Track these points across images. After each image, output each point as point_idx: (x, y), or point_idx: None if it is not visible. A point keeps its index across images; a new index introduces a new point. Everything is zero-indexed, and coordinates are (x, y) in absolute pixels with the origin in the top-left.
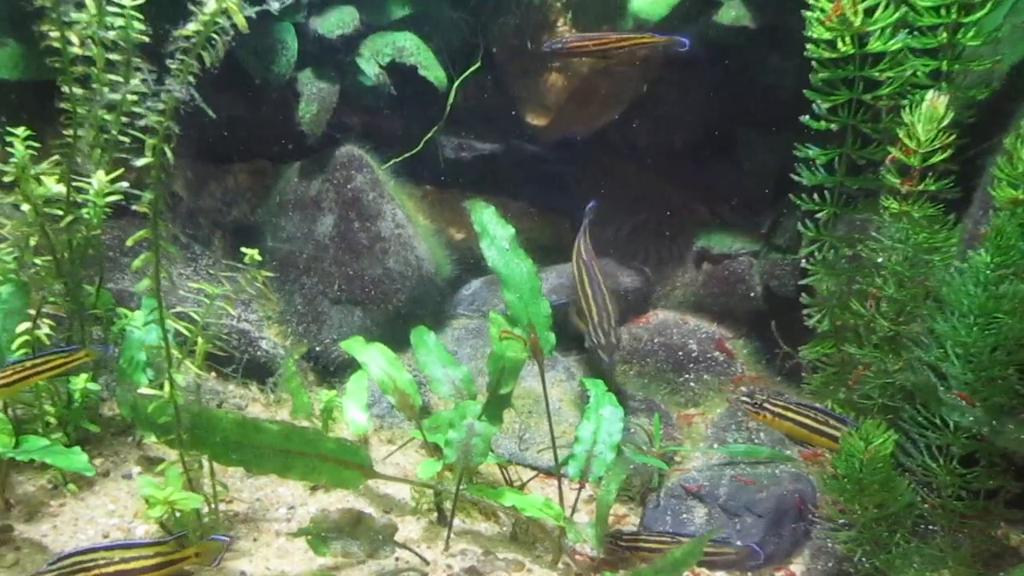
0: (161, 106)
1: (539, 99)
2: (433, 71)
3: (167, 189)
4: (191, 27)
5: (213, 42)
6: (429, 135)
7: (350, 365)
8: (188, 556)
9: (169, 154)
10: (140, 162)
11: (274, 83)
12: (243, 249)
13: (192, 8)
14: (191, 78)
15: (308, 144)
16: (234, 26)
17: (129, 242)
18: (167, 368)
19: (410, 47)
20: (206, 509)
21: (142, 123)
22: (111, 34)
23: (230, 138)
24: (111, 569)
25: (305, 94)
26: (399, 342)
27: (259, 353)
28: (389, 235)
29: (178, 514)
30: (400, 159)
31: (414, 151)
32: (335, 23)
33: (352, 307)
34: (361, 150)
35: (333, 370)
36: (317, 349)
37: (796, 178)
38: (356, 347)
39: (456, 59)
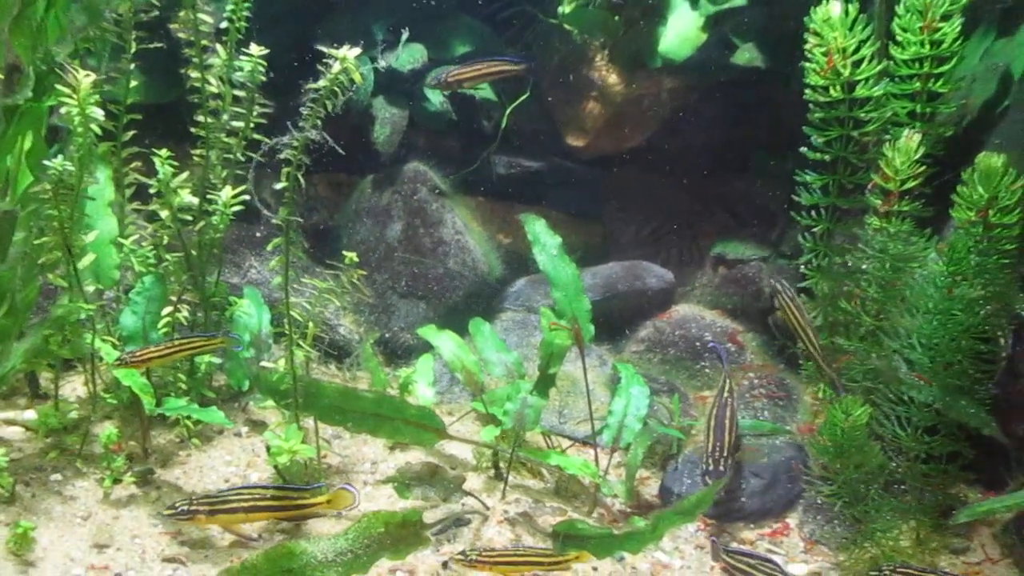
0: (295, 142)
1: (578, 123)
2: (489, 100)
3: (296, 207)
4: (321, 83)
5: (335, 93)
6: (485, 154)
7: (414, 349)
8: (322, 503)
9: (301, 180)
10: (278, 186)
11: (354, 109)
12: (344, 252)
13: (320, 68)
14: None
15: (381, 160)
16: (351, 79)
17: (269, 247)
18: (290, 346)
19: None
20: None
21: (280, 155)
22: (238, 75)
23: (315, 154)
24: (265, 503)
25: (379, 118)
26: (456, 331)
27: (337, 338)
28: (449, 240)
29: (287, 463)
30: (460, 175)
31: (472, 168)
32: (407, 59)
33: (417, 300)
34: (426, 166)
35: (400, 354)
36: (386, 336)
37: (796, 198)
38: (430, 333)
39: (508, 89)
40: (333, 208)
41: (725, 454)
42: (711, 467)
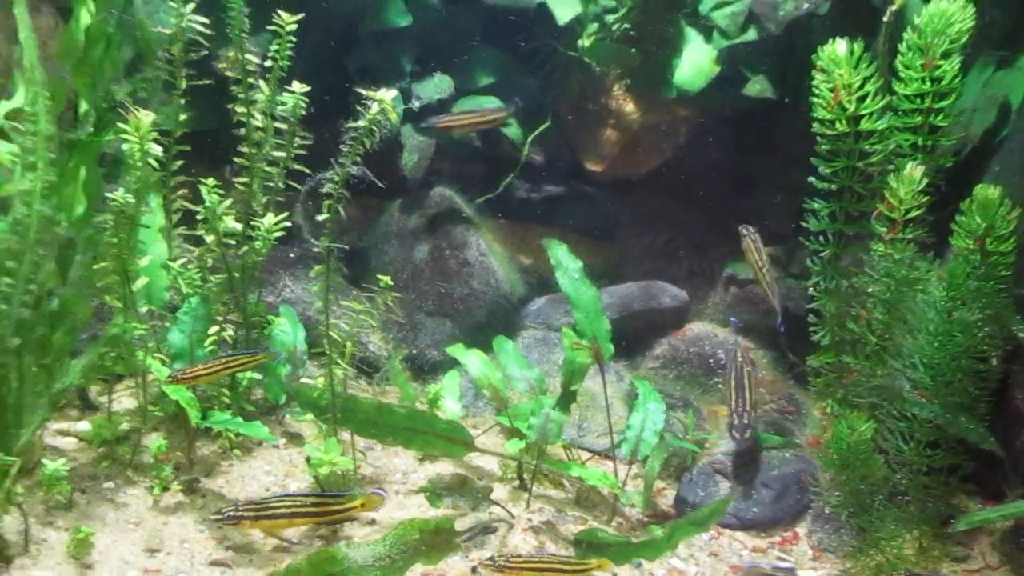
0: (336, 177)
1: (596, 150)
2: (512, 129)
3: (335, 234)
4: (360, 123)
5: (373, 131)
6: (507, 179)
7: (440, 365)
8: (355, 506)
9: (342, 212)
10: (320, 217)
11: (383, 137)
12: (379, 275)
13: (358, 108)
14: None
15: (408, 185)
16: (387, 118)
17: (312, 274)
18: (329, 365)
19: (493, 109)
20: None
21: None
22: (281, 109)
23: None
24: (305, 509)
25: (407, 145)
26: (480, 348)
27: (367, 354)
28: (474, 261)
29: (326, 474)
30: (483, 199)
31: (495, 193)
32: (434, 89)
33: (443, 319)
34: (451, 191)
35: (427, 369)
36: (413, 352)
37: (804, 224)
38: (459, 352)
39: (529, 118)
40: (362, 230)
41: (749, 408)
42: (736, 422)
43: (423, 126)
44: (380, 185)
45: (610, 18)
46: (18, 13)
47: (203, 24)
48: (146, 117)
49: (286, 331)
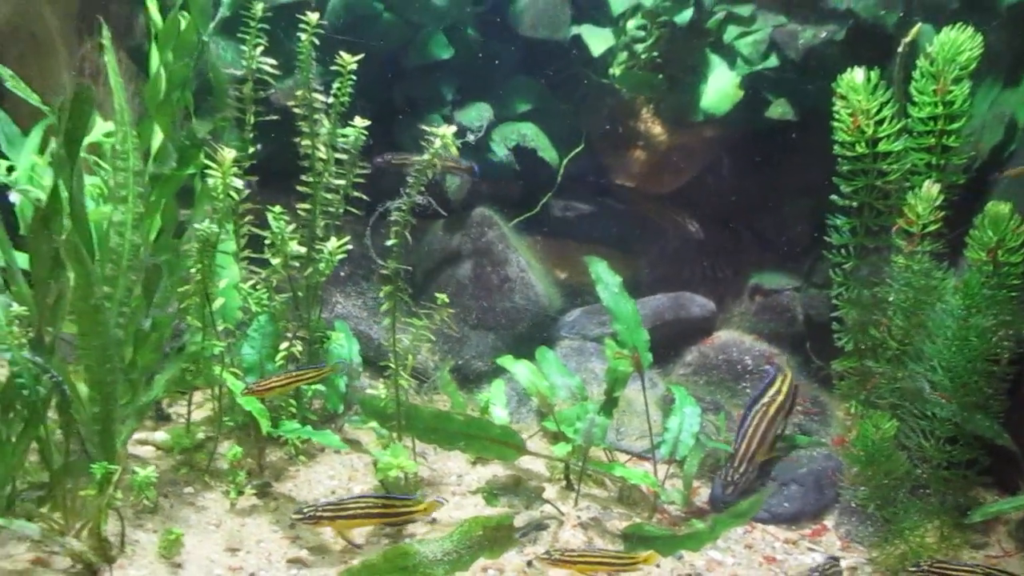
0: (403, 206)
1: (626, 169)
2: (547, 152)
3: (401, 262)
4: (425, 156)
5: (433, 165)
6: (544, 199)
7: (484, 375)
8: (419, 510)
9: (408, 238)
10: (389, 243)
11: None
12: (437, 294)
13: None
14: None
15: (451, 206)
16: (447, 150)
17: (381, 295)
18: (394, 376)
19: (530, 134)
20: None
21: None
22: (341, 141)
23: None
24: (376, 510)
25: (459, 173)
26: (522, 358)
27: (416, 364)
28: (514, 277)
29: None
30: (522, 218)
31: (533, 212)
32: (474, 116)
33: (486, 331)
34: (492, 211)
35: (472, 379)
36: (459, 363)
37: (827, 238)
38: (508, 362)
39: (564, 141)
40: (409, 249)
41: (745, 464)
42: (724, 476)
43: (376, 161)
44: (443, 214)
45: (639, 47)
46: (108, 60)
47: (270, 65)
48: (228, 154)
49: (342, 344)
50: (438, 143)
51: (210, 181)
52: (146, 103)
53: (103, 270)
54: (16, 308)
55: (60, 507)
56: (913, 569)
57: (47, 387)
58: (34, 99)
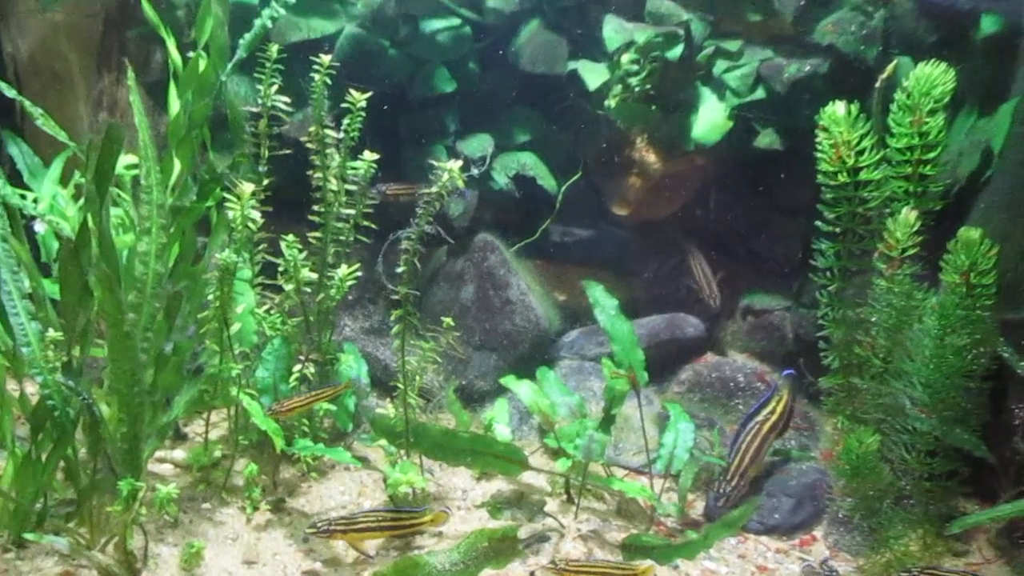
0: (413, 234)
1: (622, 195)
2: (547, 180)
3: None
4: (433, 188)
5: (441, 196)
6: (543, 225)
7: (487, 395)
8: (427, 521)
9: (418, 265)
10: (399, 270)
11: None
12: (443, 318)
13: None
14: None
15: (454, 233)
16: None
17: (392, 319)
18: (403, 396)
19: (530, 163)
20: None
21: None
22: (351, 173)
23: (400, 226)
24: (386, 523)
25: (453, 197)
26: (523, 377)
27: (422, 384)
28: (516, 299)
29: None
30: (522, 243)
31: (533, 238)
32: (476, 147)
33: (489, 352)
34: (493, 237)
35: (475, 398)
36: (463, 383)
37: (812, 262)
38: (511, 382)
39: (562, 169)
40: (417, 274)
41: (737, 478)
42: (723, 488)
43: (372, 191)
44: (449, 241)
45: (633, 81)
46: (133, 100)
47: (284, 102)
48: (247, 187)
49: (352, 366)
50: (446, 177)
51: (229, 212)
52: (168, 139)
53: (128, 297)
54: (52, 334)
55: (87, 522)
56: (904, 574)
57: (75, 408)
58: (62, 136)
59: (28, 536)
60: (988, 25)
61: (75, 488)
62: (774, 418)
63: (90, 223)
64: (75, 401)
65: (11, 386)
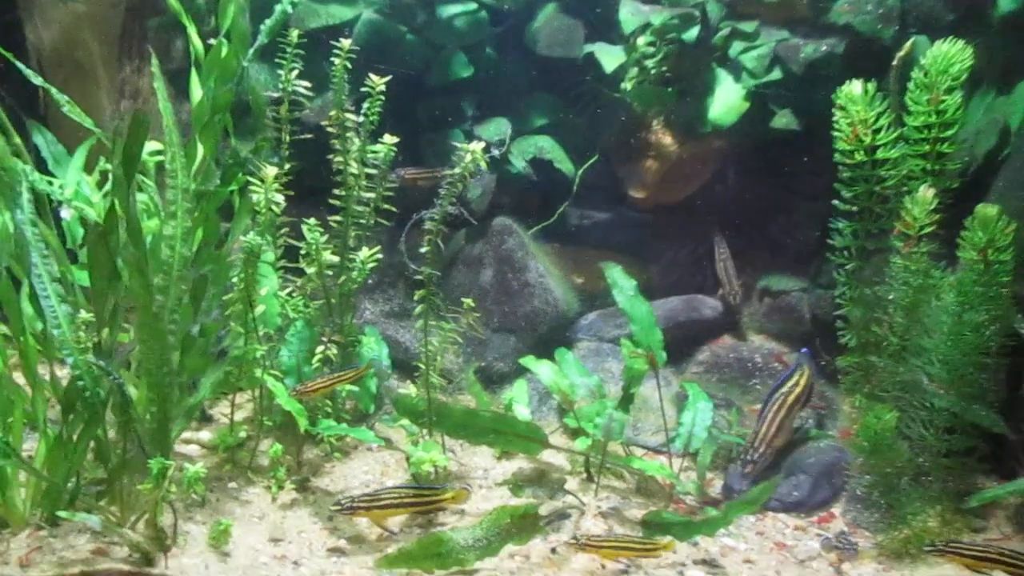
0: (435, 216)
1: (639, 179)
2: (564, 164)
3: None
4: (456, 170)
5: (464, 178)
6: (560, 208)
7: (506, 376)
8: (448, 498)
9: (441, 245)
10: (422, 250)
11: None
12: (463, 299)
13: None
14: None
15: (473, 216)
16: (477, 165)
17: (415, 298)
18: (426, 376)
19: (547, 147)
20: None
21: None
22: (371, 157)
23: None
24: (409, 500)
25: (473, 181)
26: (541, 359)
27: (442, 366)
28: (534, 282)
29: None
30: (540, 227)
31: (550, 221)
32: (494, 131)
33: (508, 334)
34: (511, 220)
35: (494, 380)
36: (482, 365)
37: (830, 241)
38: (531, 362)
39: (579, 153)
40: (439, 256)
41: (765, 446)
42: (746, 455)
43: (392, 176)
44: (472, 222)
45: (649, 63)
46: (157, 87)
47: (305, 87)
48: (271, 171)
49: (373, 348)
50: (468, 158)
51: (253, 196)
52: (192, 125)
53: (155, 280)
54: (84, 315)
55: (117, 501)
56: (929, 548)
57: (105, 389)
58: (88, 123)
59: (61, 514)
60: (1006, 3)
61: (105, 468)
62: (798, 390)
63: (118, 208)
64: (105, 382)
65: (41, 370)
